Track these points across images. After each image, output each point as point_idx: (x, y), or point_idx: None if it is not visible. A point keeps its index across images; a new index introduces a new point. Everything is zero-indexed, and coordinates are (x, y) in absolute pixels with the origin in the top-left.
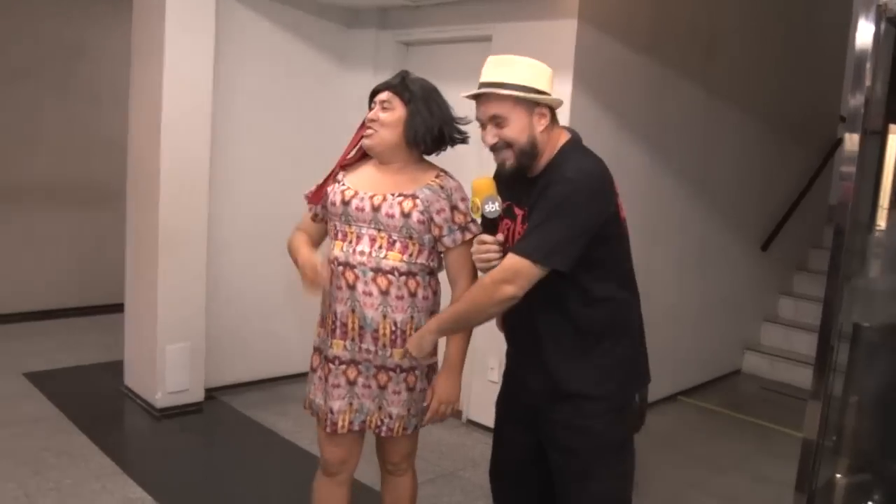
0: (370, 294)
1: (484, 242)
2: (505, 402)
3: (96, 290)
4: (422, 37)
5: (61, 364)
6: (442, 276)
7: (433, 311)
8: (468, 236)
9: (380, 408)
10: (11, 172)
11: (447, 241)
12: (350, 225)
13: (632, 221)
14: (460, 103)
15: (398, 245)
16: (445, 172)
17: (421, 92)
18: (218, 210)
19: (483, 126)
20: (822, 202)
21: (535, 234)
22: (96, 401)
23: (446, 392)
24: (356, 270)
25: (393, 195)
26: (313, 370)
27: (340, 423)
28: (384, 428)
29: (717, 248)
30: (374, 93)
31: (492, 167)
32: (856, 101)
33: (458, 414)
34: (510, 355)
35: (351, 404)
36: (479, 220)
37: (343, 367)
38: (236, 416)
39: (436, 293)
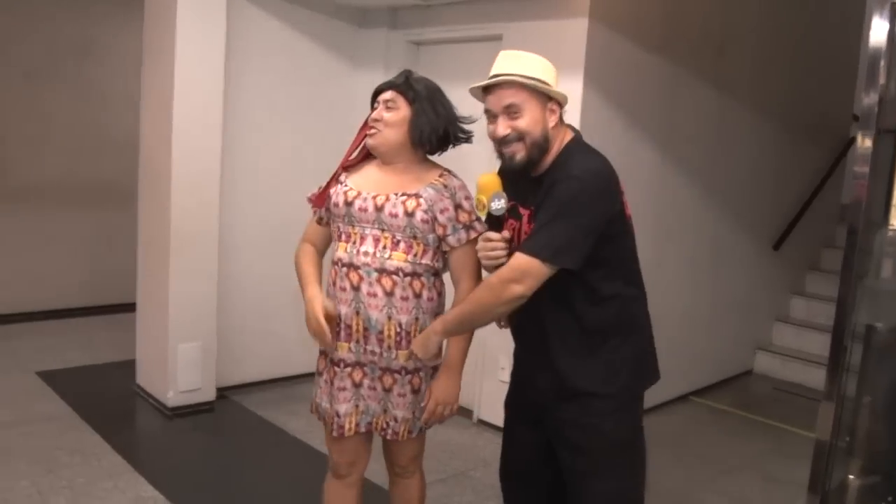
0: (375, 295)
1: (490, 240)
2: (513, 402)
3: (108, 290)
4: (432, 36)
5: (74, 363)
6: (446, 277)
7: (438, 312)
8: (472, 235)
9: (385, 410)
10: (23, 172)
11: (451, 240)
12: (353, 226)
13: (644, 221)
14: (463, 104)
15: (402, 245)
16: (449, 171)
17: (426, 91)
18: (229, 209)
19: (493, 118)
20: (835, 201)
21: (542, 232)
22: (109, 400)
23: (444, 393)
24: (360, 271)
25: (396, 195)
26: (319, 373)
27: (347, 427)
28: (389, 431)
29: (729, 247)
30: (378, 92)
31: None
32: (869, 99)
33: (468, 414)
34: (517, 355)
35: (357, 406)
36: (483, 218)
37: (348, 369)
38: (247, 415)
39: (440, 294)
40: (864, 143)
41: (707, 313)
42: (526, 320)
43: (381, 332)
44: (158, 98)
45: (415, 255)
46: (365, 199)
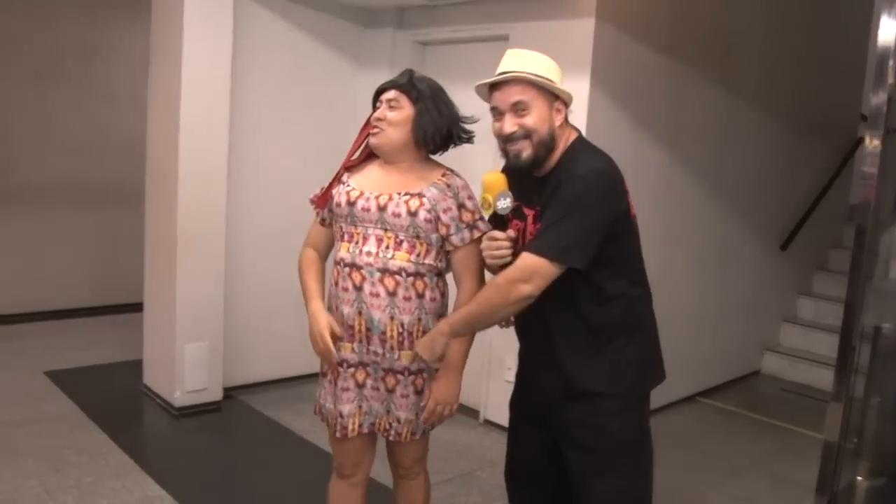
0: (377, 295)
1: (495, 239)
2: (518, 402)
3: (115, 290)
4: (438, 36)
5: (81, 363)
6: (449, 277)
7: (441, 313)
8: (476, 235)
9: (388, 411)
10: (30, 173)
11: (455, 239)
12: (356, 226)
13: (651, 221)
14: (469, 104)
15: (405, 245)
16: (451, 171)
17: (429, 91)
18: (235, 210)
19: (500, 115)
20: (843, 202)
21: (549, 232)
22: (116, 399)
23: (444, 393)
24: (363, 271)
25: (399, 194)
26: (323, 374)
27: (350, 427)
28: (392, 432)
29: (736, 247)
30: (380, 91)
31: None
32: (878, 99)
33: (474, 414)
34: (522, 355)
35: (360, 407)
36: (487, 217)
37: (351, 369)
38: (254, 415)
39: (444, 295)
40: (873, 143)
41: (714, 314)
42: (531, 320)
43: (384, 333)
44: (165, 98)
45: (418, 255)
46: (368, 199)
